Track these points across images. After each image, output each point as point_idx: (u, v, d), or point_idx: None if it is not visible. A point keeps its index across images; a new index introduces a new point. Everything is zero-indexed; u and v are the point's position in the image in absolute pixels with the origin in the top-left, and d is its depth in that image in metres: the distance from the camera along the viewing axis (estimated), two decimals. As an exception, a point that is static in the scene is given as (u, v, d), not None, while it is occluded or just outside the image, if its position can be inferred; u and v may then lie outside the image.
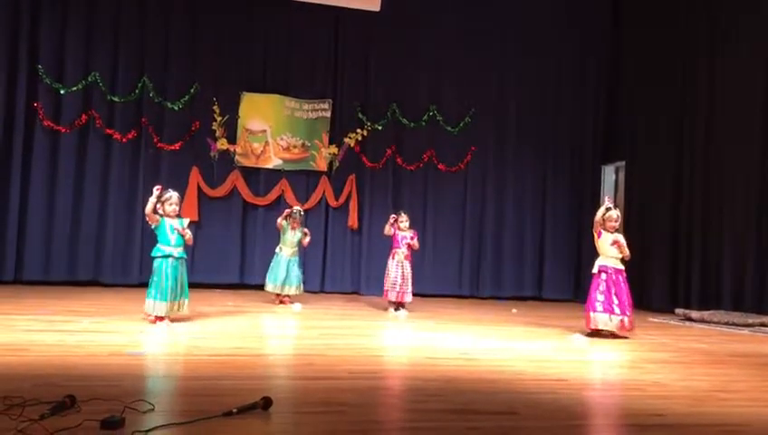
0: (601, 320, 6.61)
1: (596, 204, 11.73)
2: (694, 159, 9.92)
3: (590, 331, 6.68)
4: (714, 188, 9.55)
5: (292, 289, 8.49)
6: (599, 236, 6.86)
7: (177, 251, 6.27)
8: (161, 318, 6.11)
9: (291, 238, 8.58)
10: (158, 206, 6.29)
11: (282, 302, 8.46)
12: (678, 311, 9.10)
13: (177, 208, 6.34)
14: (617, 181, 11.90)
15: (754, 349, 6.45)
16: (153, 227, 6.32)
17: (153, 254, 6.29)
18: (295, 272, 8.53)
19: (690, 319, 8.59)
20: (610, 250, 6.77)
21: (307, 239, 8.73)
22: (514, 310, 9.34)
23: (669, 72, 10.37)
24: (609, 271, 6.73)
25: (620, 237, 6.81)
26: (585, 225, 11.60)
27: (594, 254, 11.51)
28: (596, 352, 5.80)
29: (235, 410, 3.10)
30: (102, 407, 3.07)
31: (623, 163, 11.52)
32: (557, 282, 11.39)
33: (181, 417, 3.03)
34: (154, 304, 6.12)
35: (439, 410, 3.51)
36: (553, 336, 6.65)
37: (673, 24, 10.38)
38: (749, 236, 8.93)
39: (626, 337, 6.60)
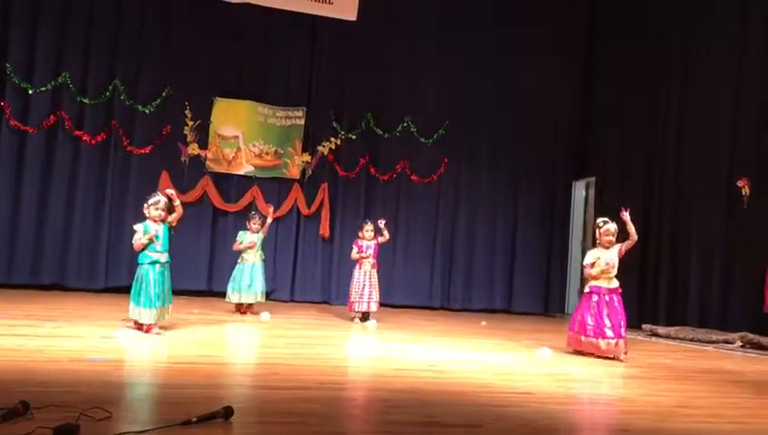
0: (592, 344, 6.19)
1: (567, 218, 11.87)
2: (663, 176, 10.05)
3: (571, 351, 6.37)
4: (682, 208, 9.68)
5: (257, 297, 8.20)
6: (592, 267, 6.34)
7: (164, 257, 6.14)
8: (144, 325, 5.93)
9: (250, 241, 8.27)
10: (145, 207, 6.17)
11: (243, 312, 8.15)
12: (645, 326, 9.19)
13: (164, 214, 6.16)
14: (587, 197, 12.01)
15: (718, 365, 6.52)
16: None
17: (140, 260, 6.10)
18: (259, 279, 8.25)
19: (657, 335, 8.68)
20: (604, 275, 6.30)
21: (267, 222, 8.47)
22: (484, 322, 9.34)
23: (641, 92, 10.50)
24: (603, 292, 6.27)
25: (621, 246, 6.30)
26: (555, 239, 11.72)
27: (563, 268, 11.70)
28: (563, 365, 5.81)
29: (194, 420, 3.03)
30: (57, 414, 2.98)
31: (593, 179, 11.64)
32: (527, 295, 11.44)
33: (138, 425, 2.95)
34: (140, 311, 5.93)
35: (403, 421, 3.47)
36: (521, 349, 6.65)
37: (646, 47, 10.50)
38: (715, 254, 9.06)
39: (620, 360, 6.13)
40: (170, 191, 6.35)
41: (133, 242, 6.14)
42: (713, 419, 4.05)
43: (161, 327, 6.03)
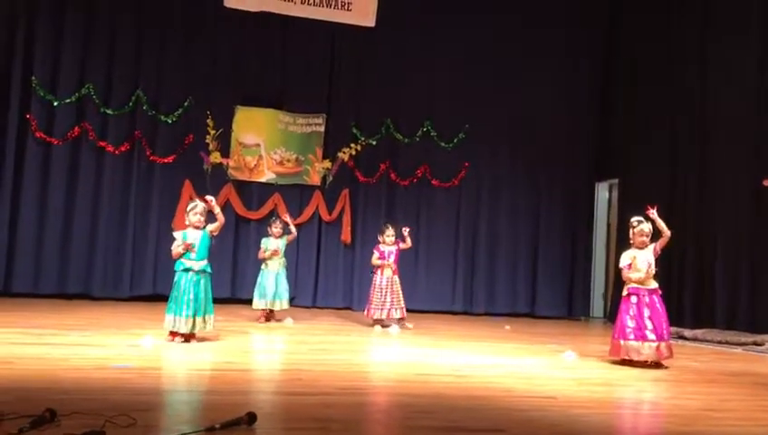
0: (633, 349, 5.89)
1: (590, 220, 11.77)
2: (687, 177, 9.93)
3: (618, 360, 6.02)
4: (707, 208, 9.55)
5: (283, 303, 8.20)
6: (629, 269, 6.11)
7: (199, 265, 6.04)
8: (177, 334, 5.91)
9: (275, 247, 8.26)
10: (185, 215, 6.17)
11: (268, 319, 8.14)
12: (671, 329, 9.05)
13: (203, 219, 6.13)
14: (610, 199, 11.90)
15: (747, 368, 6.41)
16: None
17: (176, 267, 6.09)
18: (284, 285, 8.24)
19: (683, 337, 8.55)
20: (643, 273, 6.04)
21: (292, 229, 8.46)
22: (507, 327, 9.28)
23: (663, 92, 10.39)
24: (642, 293, 6.01)
25: (655, 245, 6.08)
26: (579, 241, 11.63)
27: (587, 271, 11.59)
28: (587, 369, 5.75)
29: (217, 426, 3.05)
30: (83, 421, 3.02)
31: (616, 181, 11.53)
32: (550, 299, 11.33)
33: (163, 432, 2.98)
34: (173, 319, 5.91)
35: (426, 426, 3.46)
36: (545, 353, 6.60)
37: (667, 47, 10.40)
38: (742, 256, 8.92)
39: (664, 365, 5.93)
40: (209, 198, 6.30)
41: (171, 250, 6.14)
42: (742, 422, 3.98)
43: (191, 338, 5.97)
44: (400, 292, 8.27)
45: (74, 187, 9.84)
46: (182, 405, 3.86)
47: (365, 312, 8.42)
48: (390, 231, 8.34)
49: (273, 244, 8.32)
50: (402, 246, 8.40)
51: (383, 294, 8.17)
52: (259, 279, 8.27)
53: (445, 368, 5.43)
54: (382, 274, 8.25)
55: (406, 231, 8.35)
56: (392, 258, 8.29)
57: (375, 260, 8.35)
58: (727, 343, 8.07)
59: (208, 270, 6.16)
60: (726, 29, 9.46)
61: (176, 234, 6.18)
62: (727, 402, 4.61)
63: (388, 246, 8.33)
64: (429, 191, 11.12)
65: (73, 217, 9.80)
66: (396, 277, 8.28)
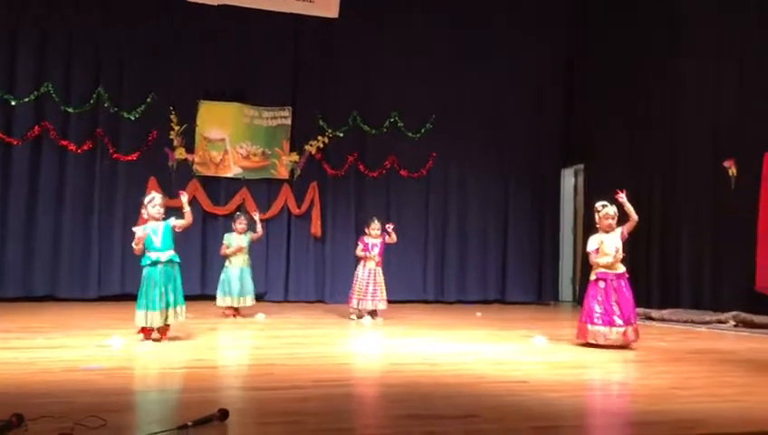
0: (600, 333, 5.95)
1: (557, 206, 11.90)
2: (651, 160, 10.08)
3: (583, 342, 6.08)
4: (671, 191, 9.72)
5: (247, 301, 8.12)
6: (597, 253, 6.16)
7: (166, 255, 5.90)
8: (149, 331, 5.83)
9: (239, 244, 8.19)
10: (143, 209, 6.04)
11: (235, 315, 8.06)
12: (639, 310, 9.17)
13: (162, 210, 6.00)
14: (576, 184, 12.03)
15: (712, 345, 6.57)
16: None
17: (142, 262, 5.95)
18: (249, 283, 8.16)
19: (650, 318, 8.71)
20: (611, 257, 6.09)
21: (258, 228, 8.45)
22: (479, 313, 9.36)
23: (625, 78, 10.51)
24: (610, 278, 6.06)
25: (622, 229, 6.15)
26: (546, 227, 11.76)
27: (555, 256, 11.73)
28: (558, 353, 5.83)
29: (190, 424, 3.03)
30: (52, 425, 2.98)
31: (582, 166, 11.67)
32: (520, 285, 11.45)
33: (134, 432, 2.95)
34: (145, 314, 5.78)
35: (401, 415, 3.48)
36: (516, 338, 6.67)
37: (629, 35, 10.54)
38: (706, 237, 9.11)
39: (631, 348, 5.97)
40: (182, 192, 6.30)
41: (132, 246, 6.01)
42: (707, 398, 4.07)
43: (161, 333, 5.89)
44: (383, 284, 8.29)
45: (36, 187, 9.64)
46: (153, 405, 3.83)
47: (348, 302, 8.42)
48: (376, 224, 8.37)
49: (237, 240, 8.23)
50: (387, 240, 8.43)
51: (364, 284, 8.20)
52: (222, 276, 8.19)
53: (418, 357, 5.46)
54: (365, 265, 8.28)
55: (390, 227, 8.37)
56: (375, 251, 8.31)
57: (358, 252, 8.38)
58: (693, 322, 8.25)
59: (176, 260, 6.02)
60: (690, 18, 9.59)
61: (135, 229, 6.02)
62: (692, 380, 4.72)
63: (373, 238, 8.35)
64: (398, 182, 11.14)
65: (37, 217, 9.61)
66: (379, 269, 8.31)
